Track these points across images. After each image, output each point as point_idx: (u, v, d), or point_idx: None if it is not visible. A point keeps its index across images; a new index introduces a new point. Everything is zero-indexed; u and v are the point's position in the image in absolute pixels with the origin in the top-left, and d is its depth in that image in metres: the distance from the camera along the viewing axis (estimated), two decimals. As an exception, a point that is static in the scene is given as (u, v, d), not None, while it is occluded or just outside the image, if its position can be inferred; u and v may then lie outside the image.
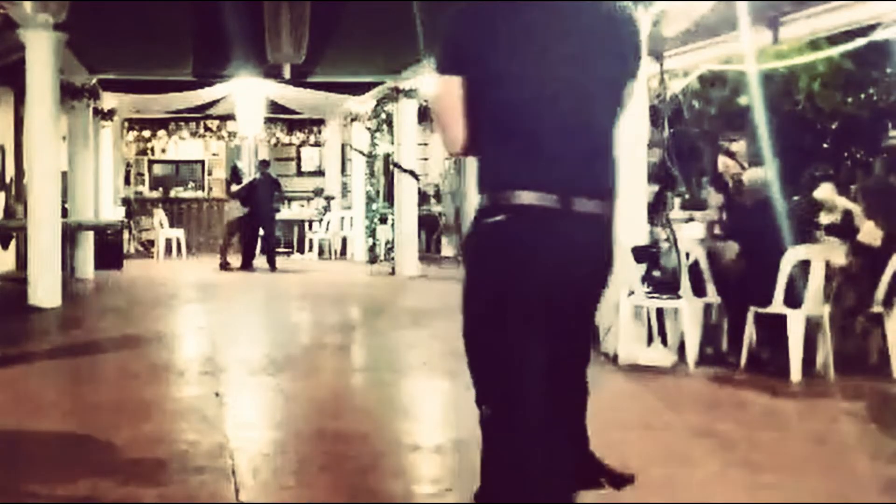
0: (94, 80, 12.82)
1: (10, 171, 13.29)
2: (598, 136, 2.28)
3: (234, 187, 14.76)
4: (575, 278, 2.26)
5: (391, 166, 13.90)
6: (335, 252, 16.50)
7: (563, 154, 2.20)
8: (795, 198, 8.12)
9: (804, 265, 5.83)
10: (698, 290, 6.35)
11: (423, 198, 15.17)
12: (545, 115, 2.20)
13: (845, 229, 7.08)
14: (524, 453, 2.26)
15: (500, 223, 2.19)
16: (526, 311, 2.22)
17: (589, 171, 2.26)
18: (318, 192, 17.82)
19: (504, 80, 2.18)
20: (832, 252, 6.07)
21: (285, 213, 17.53)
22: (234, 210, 14.42)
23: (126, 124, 18.18)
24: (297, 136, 19.10)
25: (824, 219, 7.08)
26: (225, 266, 13.94)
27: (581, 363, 2.45)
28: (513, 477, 2.27)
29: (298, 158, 19.91)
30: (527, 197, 2.17)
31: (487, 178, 2.26)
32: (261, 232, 14.43)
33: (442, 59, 2.28)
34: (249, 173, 19.16)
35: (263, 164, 14.93)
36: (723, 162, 7.89)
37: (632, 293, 6.27)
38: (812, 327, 5.91)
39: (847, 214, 7.40)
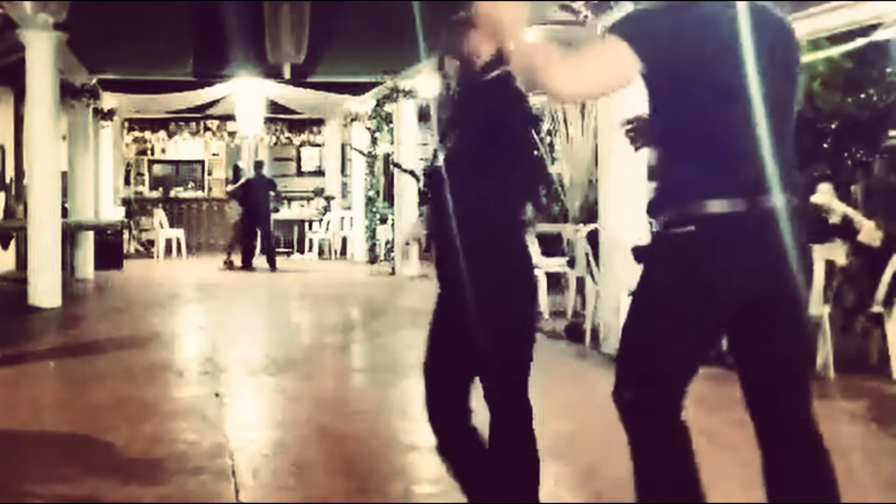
0: (94, 80, 12.82)
1: (10, 171, 13.30)
2: (780, 134, 2.26)
3: (230, 187, 14.87)
4: (762, 282, 2.27)
5: (391, 166, 13.93)
6: (335, 252, 16.51)
7: (751, 157, 2.21)
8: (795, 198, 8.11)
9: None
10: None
11: (423, 198, 15.17)
12: (737, 122, 2.20)
13: (845, 230, 7.07)
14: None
15: (691, 234, 2.21)
16: (711, 316, 2.33)
17: (768, 171, 2.24)
18: (318, 192, 17.83)
19: (698, 87, 2.20)
20: (832, 252, 6.06)
21: (285, 213, 17.55)
22: (234, 211, 14.49)
23: (126, 124, 18.19)
24: (297, 136, 19.11)
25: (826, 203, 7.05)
26: (229, 265, 14.03)
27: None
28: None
29: (298, 158, 19.92)
30: (718, 205, 2.19)
31: (674, 188, 2.28)
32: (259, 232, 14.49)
33: (627, 25, 2.24)
34: (251, 173, 19.19)
35: (258, 165, 14.99)
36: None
37: (632, 293, 6.27)
38: (812, 327, 5.91)
39: (845, 217, 7.41)
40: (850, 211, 7.09)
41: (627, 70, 2.17)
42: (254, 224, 14.21)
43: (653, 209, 2.32)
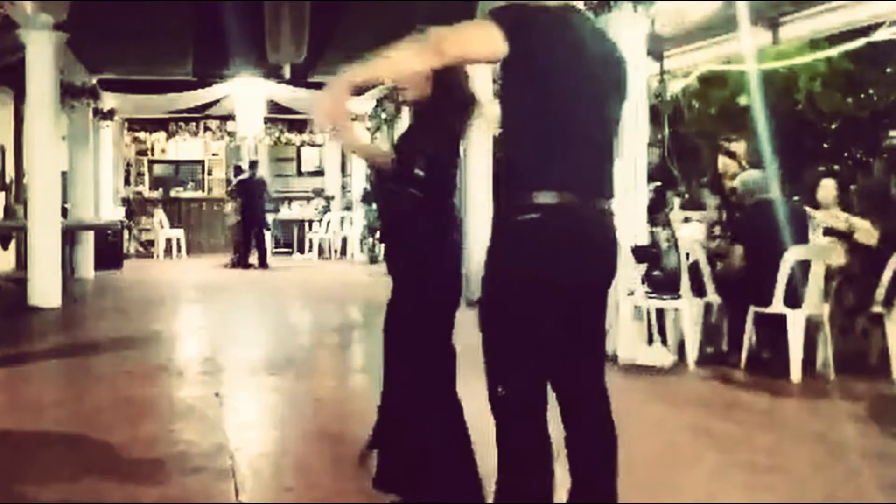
0: (94, 80, 12.82)
1: (10, 171, 13.30)
2: (609, 145, 2.56)
3: (230, 187, 15.04)
4: (596, 271, 2.56)
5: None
6: (335, 252, 16.51)
7: (588, 160, 2.46)
8: (796, 198, 8.12)
9: (804, 265, 5.83)
10: (698, 290, 6.35)
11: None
12: (580, 125, 2.41)
13: (844, 231, 7.10)
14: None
15: (535, 220, 2.36)
16: (549, 302, 2.42)
17: (603, 175, 2.55)
18: (318, 192, 17.83)
19: (554, 85, 2.38)
20: (832, 252, 6.07)
21: (285, 213, 17.57)
22: (231, 211, 14.69)
23: (126, 124, 18.18)
24: (297, 136, 19.11)
25: (821, 219, 7.07)
26: (234, 264, 14.31)
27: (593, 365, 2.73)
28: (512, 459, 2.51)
29: (298, 158, 19.92)
30: (559, 197, 2.37)
31: (518, 178, 2.43)
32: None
33: (501, 13, 2.37)
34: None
35: (252, 165, 15.09)
36: (723, 162, 7.89)
37: (632, 293, 6.28)
38: (812, 327, 5.91)
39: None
40: (854, 220, 7.09)
41: (496, 47, 2.31)
42: (248, 223, 14.32)
43: (496, 195, 2.54)
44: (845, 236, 6.89)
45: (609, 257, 2.59)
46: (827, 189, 7.73)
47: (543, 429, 2.48)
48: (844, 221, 6.80)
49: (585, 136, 2.41)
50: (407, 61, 2.37)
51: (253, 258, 14.47)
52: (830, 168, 10.59)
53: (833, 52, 9.17)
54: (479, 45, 2.37)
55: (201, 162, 19.58)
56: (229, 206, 15.12)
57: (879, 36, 7.52)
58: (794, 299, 5.78)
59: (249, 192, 14.39)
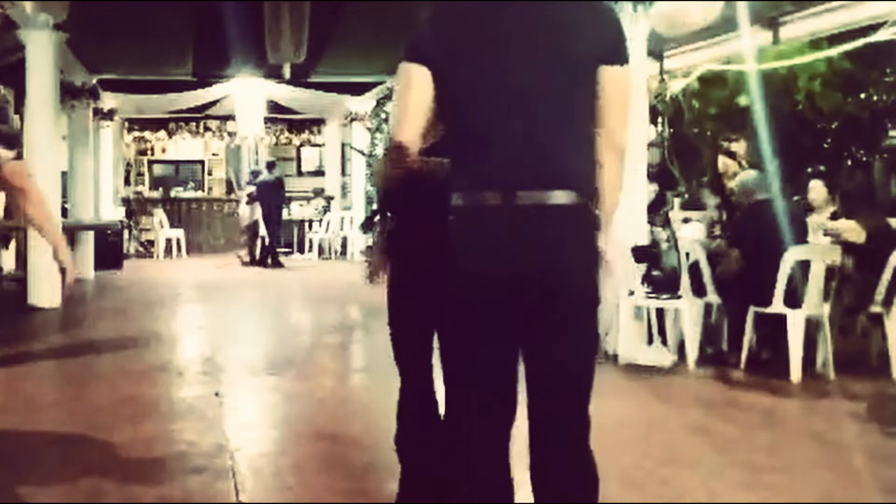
0: (94, 80, 12.82)
1: (9, 171, 13.27)
2: (551, 130, 2.20)
3: (247, 189, 15.15)
4: (526, 273, 2.17)
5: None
6: (335, 252, 16.51)
7: (507, 152, 2.18)
8: (796, 198, 8.13)
9: (804, 265, 5.83)
10: (698, 290, 6.35)
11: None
12: (486, 117, 2.20)
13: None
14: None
15: (453, 223, 2.26)
16: (474, 311, 2.23)
17: (537, 165, 2.18)
18: (318, 192, 17.83)
19: (451, 79, 2.23)
20: (831, 252, 6.07)
21: (285, 213, 17.58)
22: (247, 212, 14.96)
23: (126, 124, 18.19)
24: (297, 136, 19.11)
25: (816, 218, 7.09)
26: (251, 262, 14.60)
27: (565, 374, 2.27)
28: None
29: (298, 158, 19.93)
30: (466, 198, 2.22)
31: (453, 179, 2.31)
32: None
33: (407, 47, 2.30)
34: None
35: (269, 166, 15.21)
36: (723, 162, 7.90)
37: (632, 293, 6.28)
38: (812, 327, 5.91)
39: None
40: (830, 224, 7.10)
41: (424, 85, 2.22)
42: (267, 223, 14.55)
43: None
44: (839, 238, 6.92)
45: (543, 256, 2.17)
46: (817, 190, 7.76)
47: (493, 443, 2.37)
48: (836, 229, 6.82)
49: (502, 130, 2.17)
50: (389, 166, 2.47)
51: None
52: (818, 169, 10.59)
53: (833, 52, 9.17)
54: (415, 101, 2.23)
55: (201, 162, 19.59)
56: (243, 208, 15.25)
57: (879, 36, 7.52)
58: (793, 299, 5.78)
59: (268, 194, 14.56)
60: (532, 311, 2.19)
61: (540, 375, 2.25)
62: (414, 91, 2.24)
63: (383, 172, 2.71)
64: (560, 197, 2.16)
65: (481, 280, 2.19)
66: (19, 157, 3.03)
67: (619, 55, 2.24)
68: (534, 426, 2.29)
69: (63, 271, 3.10)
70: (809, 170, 10.13)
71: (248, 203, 14.99)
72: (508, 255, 2.17)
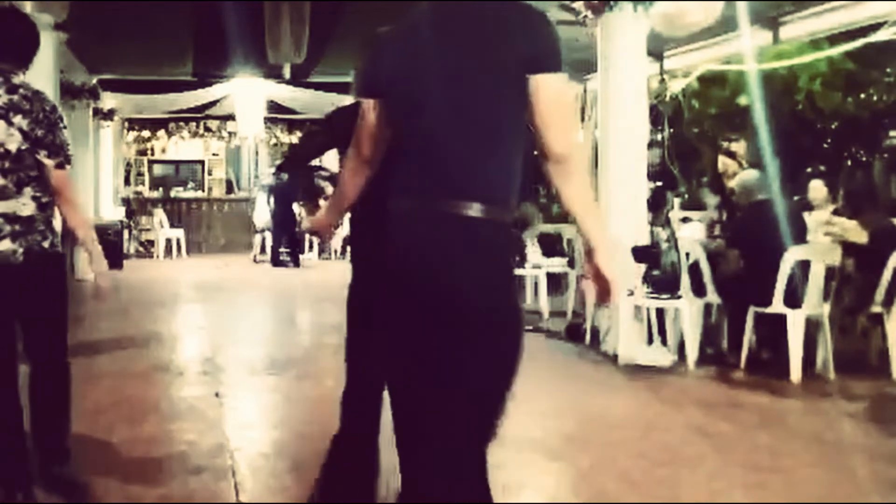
0: (94, 80, 12.82)
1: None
2: (469, 141, 2.16)
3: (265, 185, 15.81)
4: (427, 283, 2.15)
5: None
6: (335, 252, 16.51)
7: (426, 162, 2.19)
8: (796, 198, 8.13)
9: (803, 265, 5.84)
10: (698, 290, 6.35)
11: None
12: (415, 129, 2.22)
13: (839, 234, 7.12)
14: None
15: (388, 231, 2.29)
16: (397, 316, 2.22)
17: (460, 175, 2.16)
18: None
19: (388, 98, 2.30)
20: (831, 252, 6.07)
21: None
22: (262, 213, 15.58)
23: (126, 124, 18.18)
24: (297, 137, 19.10)
25: (815, 218, 7.09)
26: (274, 263, 14.88)
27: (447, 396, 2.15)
28: None
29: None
30: (394, 204, 2.24)
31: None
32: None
33: (355, 83, 2.54)
34: (249, 175, 19.25)
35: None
36: (723, 162, 7.91)
37: (632, 293, 6.28)
38: (812, 327, 5.91)
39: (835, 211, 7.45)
40: (834, 219, 7.10)
41: (368, 114, 2.36)
42: (279, 225, 14.92)
43: None
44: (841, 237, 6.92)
45: (440, 267, 2.12)
46: (816, 190, 7.76)
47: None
48: (839, 227, 6.81)
49: (426, 140, 2.18)
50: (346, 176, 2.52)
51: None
52: (818, 168, 10.61)
53: (833, 52, 9.17)
54: (366, 130, 2.38)
55: (201, 162, 19.58)
56: (261, 208, 15.75)
57: (879, 36, 7.52)
58: (793, 299, 5.78)
59: (282, 195, 14.75)
60: (434, 323, 2.12)
61: (432, 387, 2.16)
62: (365, 121, 2.38)
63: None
64: (463, 208, 2.11)
65: (396, 284, 2.20)
66: (61, 166, 3.28)
67: (547, 62, 2.13)
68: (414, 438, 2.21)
69: (97, 274, 3.57)
70: (809, 169, 10.14)
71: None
72: (414, 263, 2.17)
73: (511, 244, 2.23)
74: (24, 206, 3.23)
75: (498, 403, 2.20)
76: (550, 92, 2.13)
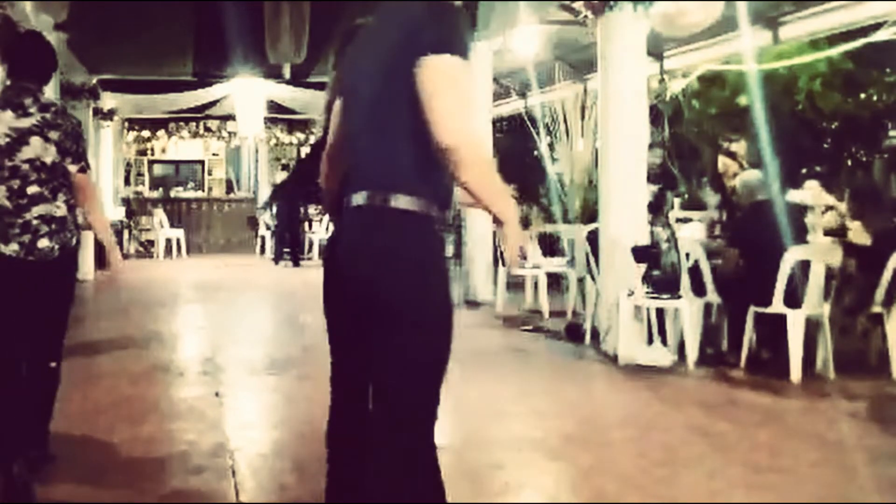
0: (94, 80, 12.82)
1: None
2: (371, 135, 2.24)
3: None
4: (350, 271, 2.28)
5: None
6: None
7: (352, 156, 2.34)
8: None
9: (804, 265, 5.83)
10: (698, 290, 6.35)
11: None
12: (347, 128, 2.40)
13: (838, 230, 7.12)
14: None
15: None
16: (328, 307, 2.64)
17: (368, 168, 2.24)
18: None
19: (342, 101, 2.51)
20: (831, 252, 6.07)
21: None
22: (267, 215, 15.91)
23: (126, 124, 18.18)
24: (297, 136, 19.10)
25: (811, 219, 7.09)
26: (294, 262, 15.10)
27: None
28: None
29: (298, 158, 19.91)
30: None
31: None
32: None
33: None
34: (249, 175, 19.23)
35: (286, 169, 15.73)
36: (723, 162, 7.90)
37: (632, 293, 6.28)
38: (812, 327, 5.91)
39: (830, 209, 7.45)
40: (834, 202, 7.10)
41: (336, 116, 2.60)
42: (282, 226, 15.27)
43: None
44: (839, 234, 6.92)
45: (350, 257, 2.26)
46: (812, 190, 7.75)
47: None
48: (836, 217, 6.81)
49: (347, 138, 2.38)
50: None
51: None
52: (814, 169, 10.60)
53: (833, 52, 9.17)
54: (334, 127, 2.63)
55: (201, 162, 19.59)
56: (261, 212, 16.15)
57: (879, 36, 7.52)
58: (793, 299, 5.78)
59: (280, 198, 14.96)
60: (348, 310, 2.40)
61: (349, 374, 2.61)
62: (332, 126, 2.64)
63: None
64: (370, 198, 2.17)
65: (328, 275, 2.64)
66: (83, 170, 3.75)
67: (423, 45, 2.08)
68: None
69: (113, 262, 4.02)
70: (804, 170, 10.13)
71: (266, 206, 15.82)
72: (332, 252, 2.53)
73: (423, 234, 2.16)
74: (58, 208, 3.66)
75: (406, 397, 2.18)
76: (427, 75, 2.06)
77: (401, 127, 2.12)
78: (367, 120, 2.22)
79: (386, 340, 2.15)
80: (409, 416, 2.18)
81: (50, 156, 3.60)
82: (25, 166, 3.56)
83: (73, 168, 3.68)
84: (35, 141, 3.57)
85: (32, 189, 3.58)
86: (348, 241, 2.28)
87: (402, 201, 2.13)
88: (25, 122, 3.56)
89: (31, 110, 3.58)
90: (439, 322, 2.17)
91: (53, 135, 3.61)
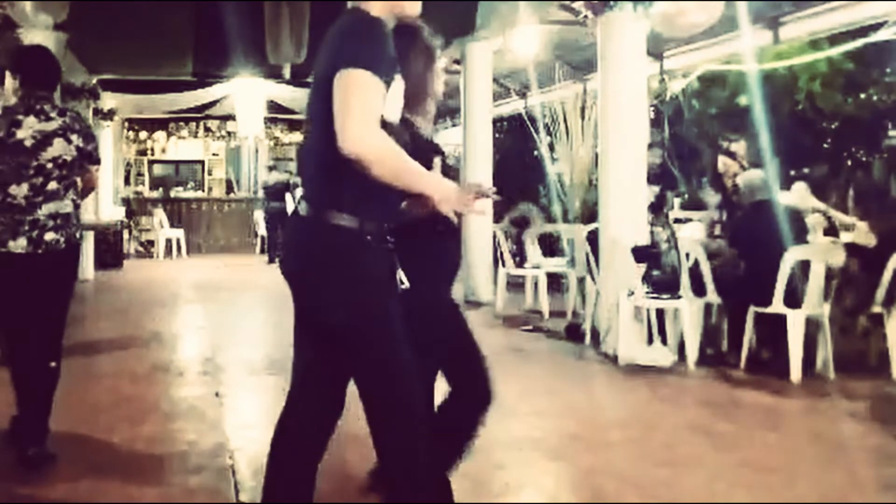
0: (94, 80, 12.82)
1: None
2: (308, 149, 2.39)
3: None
4: (287, 278, 2.59)
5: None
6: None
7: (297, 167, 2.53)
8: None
9: (804, 265, 5.84)
10: (698, 291, 6.35)
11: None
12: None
13: (829, 231, 7.12)
14: None
15: None
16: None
17: (305, 179, 2.48)
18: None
19: None
20: (832, 252, 6.07)
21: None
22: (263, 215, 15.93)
23: (126, 124, 18.18)
24: (297, 136, 19.11)
25: (812, 219, 7.09)
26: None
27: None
28: None
29: (298, 158, 19.92)
30: None
31: None
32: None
33: None
34: (249, 175, 19.26)
35: (270, 169, 15.55)
36: (723, 162, 7.89)
37: (632, 293, 6.28)
38: (812, 327, 5.91)
39: (816, 212, 7.45)
40: (821, 206, 7.09)
41: None
42: (273, 226, 15.19)
43: None
44: (837, 232, 6.92)
45: (288, 274, 2.58)
46: (798, 192, 7.75)
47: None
48: (822, 219, 6.81)
49: (301, 152, 2.55)
50: None
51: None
52: (801, 172, 10.60)
53: (833, 52, 9.18)
54: None
55: (201, 162, 19.59)
56: (258, 212, 16.36)
57: (879, 36, 7.52)
58: (793, 299, 5.78)
59: (272, 196, 15.04)
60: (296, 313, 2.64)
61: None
62: None
63: None
64: (303, 209, 2.35)
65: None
66: (96, 162, 4.16)
67: (343, 60, 2.15)
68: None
69: None
70: (793, 172, 10.12)
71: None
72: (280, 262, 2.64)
73: (350, 248, 2.29)
74: (66, 205, 3.95)
75: (373, 399, 2.40)
76: (336, 87, 2.14)
77: (331, 141, 2.14)
78: (309, 134, 2.36)
79: (335, 347, 2.43)
80: (387, 415, 2.36)
81: (70, 156, 3.93)
82: (49, 164, 3.87)
83: (92, 168, 4.11)
84: (58, 142, 3.89)
85: (51, 185, 3.89)
86: (285, 252, 2.55)
87: (332, 216, 2.26)
88: (49, 126, 3.88)
89: (52, 115, 3.91)
90: (373, 328, 2.32)
91: (73, 137, 3.95)
